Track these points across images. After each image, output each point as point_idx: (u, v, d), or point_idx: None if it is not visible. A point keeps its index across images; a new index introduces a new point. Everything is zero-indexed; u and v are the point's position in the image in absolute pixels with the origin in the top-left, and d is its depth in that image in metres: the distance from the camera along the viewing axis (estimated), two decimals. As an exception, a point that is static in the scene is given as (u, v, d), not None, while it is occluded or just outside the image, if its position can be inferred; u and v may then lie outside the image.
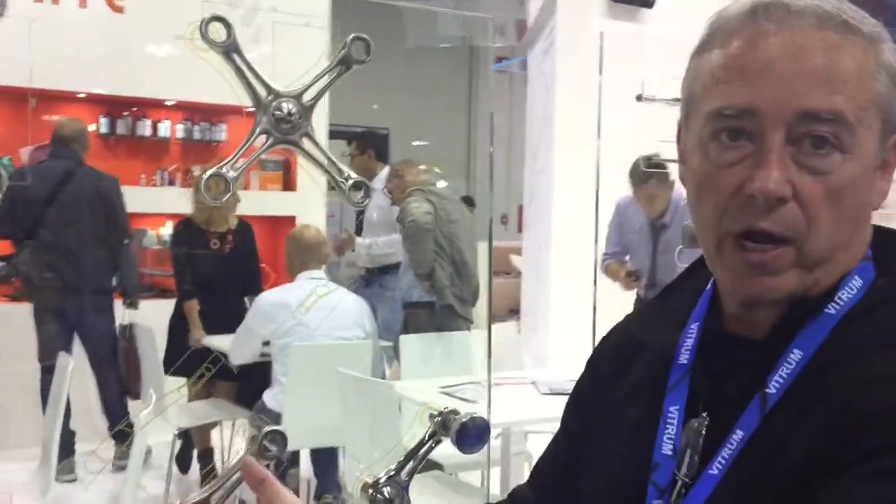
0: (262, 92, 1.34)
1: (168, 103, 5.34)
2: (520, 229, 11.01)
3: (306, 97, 1.37)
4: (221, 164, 1.33)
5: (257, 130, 1.35)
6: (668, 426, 0.78)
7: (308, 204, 5.11)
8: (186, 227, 4.20)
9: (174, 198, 5.10)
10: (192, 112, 5.43)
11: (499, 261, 8.53)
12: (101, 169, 5.02)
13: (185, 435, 4.31)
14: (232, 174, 1.33)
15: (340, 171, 1.39)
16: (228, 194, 1.33)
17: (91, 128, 5.27)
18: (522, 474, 3.20)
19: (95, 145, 5.25)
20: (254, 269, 4.40)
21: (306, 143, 1.38)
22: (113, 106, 5.25)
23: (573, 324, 5.46)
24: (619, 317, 0.98)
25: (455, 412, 1.41)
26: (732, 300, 0.78)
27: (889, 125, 0.74)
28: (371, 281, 4.98)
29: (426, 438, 1.41)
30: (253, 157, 1.36)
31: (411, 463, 1.38)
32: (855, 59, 0.71)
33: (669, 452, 0.77)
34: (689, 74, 0.78)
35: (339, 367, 3.11)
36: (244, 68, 1.32)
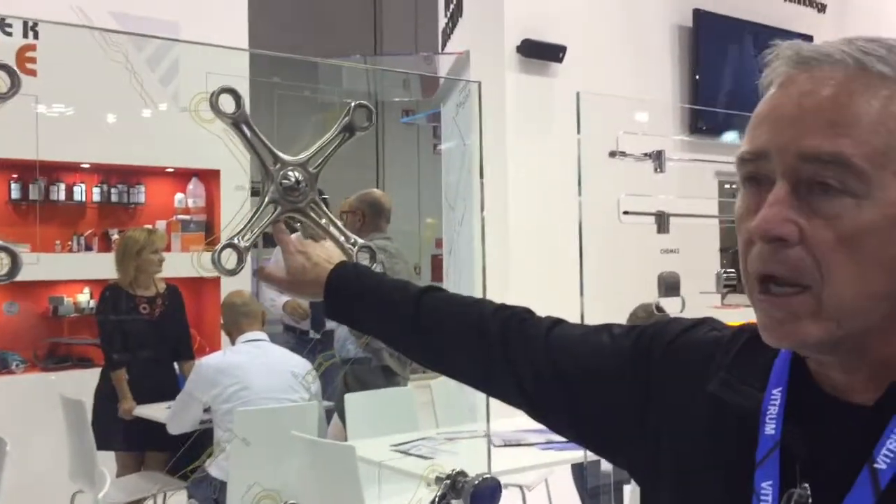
0: (268, 161, 1.34)
1: (83, 166, 5.19)
2: (433, 279, 11.05)
3: (311, 165, 1.38)
4: (233, 235, 1.31)
5: (266, 200, 1.35)
6: (762, 502, 0.73)
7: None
8: (114, 293, 4.05)
9: (92, 263, 4.94)
10: (109, 174, 5.29)
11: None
12: (10, 236, 4.86)
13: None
14: (244, 244, 1.32)
15: (347, 237, 1.40)
16: (242, 265, 1.32)
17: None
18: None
19: (6, 212, 5.05)
20: (184, 334, 4.28)
21: (312, 212, 1.38)
22: (24, 171, 5.07)
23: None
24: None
25: (463, 474, 1.41)
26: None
27: None
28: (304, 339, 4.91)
29: (437, 501, 1.41)
30: (260, 226, 1.35)
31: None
32: (874, 103, 0.68)
33: None
34: None
35: (286, 429, 3.04)
36: (252, 138, 1.32)
